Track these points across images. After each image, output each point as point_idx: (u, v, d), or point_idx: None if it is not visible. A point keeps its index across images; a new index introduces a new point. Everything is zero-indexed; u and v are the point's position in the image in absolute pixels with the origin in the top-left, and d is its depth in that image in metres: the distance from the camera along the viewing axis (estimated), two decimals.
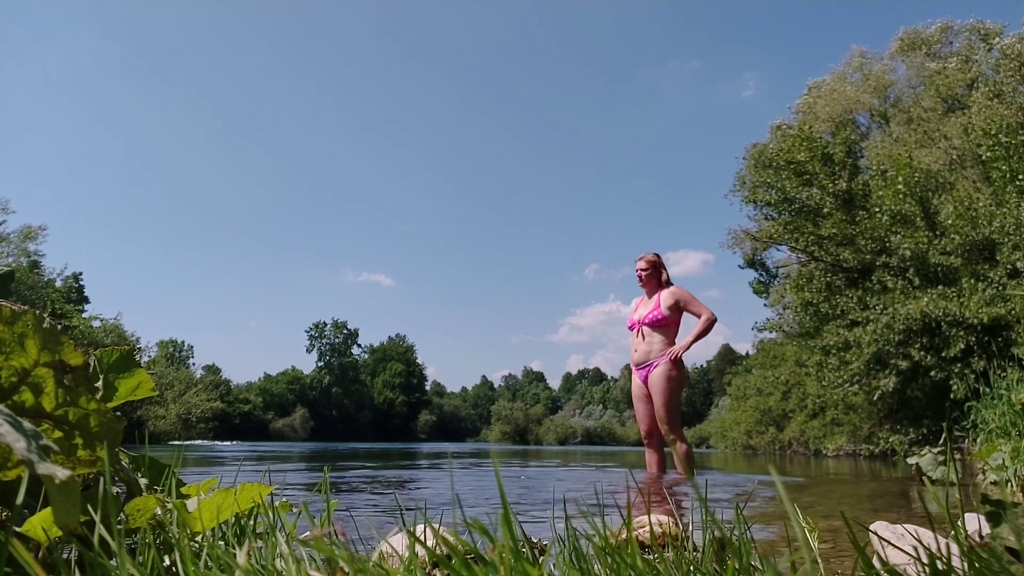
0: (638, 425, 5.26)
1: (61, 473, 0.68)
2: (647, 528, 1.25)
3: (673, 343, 5.17)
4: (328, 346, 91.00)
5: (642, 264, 5.36)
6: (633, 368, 5.27)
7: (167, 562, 0.90)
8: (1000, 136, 14.14)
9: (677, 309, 5.18)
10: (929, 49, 20.69)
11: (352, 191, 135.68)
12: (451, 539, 0.65)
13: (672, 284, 5.39)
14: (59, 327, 0.89)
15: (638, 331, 5.22)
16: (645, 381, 5.15)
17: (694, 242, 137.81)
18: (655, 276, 5.33)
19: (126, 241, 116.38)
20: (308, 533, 0.99)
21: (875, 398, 16.57)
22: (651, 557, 0.82)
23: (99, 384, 1.07)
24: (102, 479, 0.83)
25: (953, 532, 0.71)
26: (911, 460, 5.45)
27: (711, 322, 5.11)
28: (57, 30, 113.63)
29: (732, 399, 37.55)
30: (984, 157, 14.85)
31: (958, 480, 4.54)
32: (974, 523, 1.18)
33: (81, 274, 53.73)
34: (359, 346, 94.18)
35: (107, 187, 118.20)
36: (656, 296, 5.27)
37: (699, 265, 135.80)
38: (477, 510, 2.61)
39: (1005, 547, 0.68)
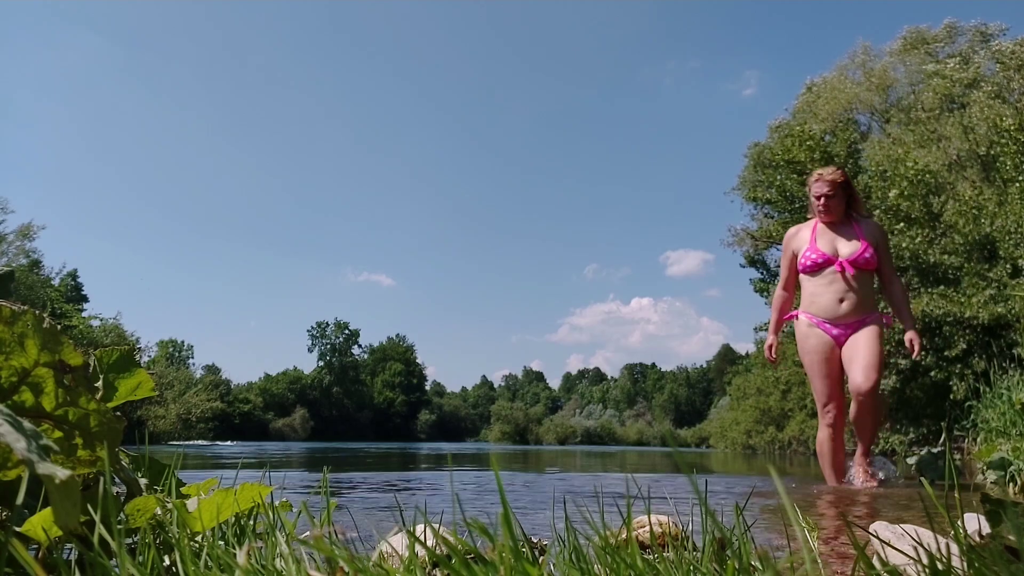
0: (816, 399, 4.06)
1: (61, 473, 0.68)
2: (647, 528, 1.25)
3: (875, 295, 4.10)
4: (329, 346, 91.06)
5: (825, 187, 4.05)
6: (825, 322, 4.00)
7: (167, 562, 0.90)
8: (1011, 132, 14.10)
9: (876, 252, 4.02)
10: (931, 48, 20.66)
11: (352, 191, 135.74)
12: (451, 539, 0.65)
13: (860, 211, 4.20)
14: (59, 327, 0.89)
15: (842, 273, 3.97)
16: (843, 340, 3.97)
17: (694, 242, 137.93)
18: (843, 200, 4.09)
19: (126, 241, 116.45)
20: (308, 533, 0.99)
21: None
22: (651, 557, 0.82)
23: (99, 384, 1.07)
24: (102, 479, 0.83)
25: (953, 532, 0.71)
26: (911, 460, 5.45)
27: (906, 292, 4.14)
28: (57, 30, 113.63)
29: (732, 399, 37.56)
30: (993, 152, 14.81)
31: (958, 480, 4.54)
32: (974, 523, 1.18)
33: (77, 272, 53.73)
34: (359, 346, 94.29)
35: (107, 187, 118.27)
36: (854, 228, 4.07)
37: (699, 264, 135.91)
38: (477, 510, 2.61)
39: (1005, 547, 0.68)
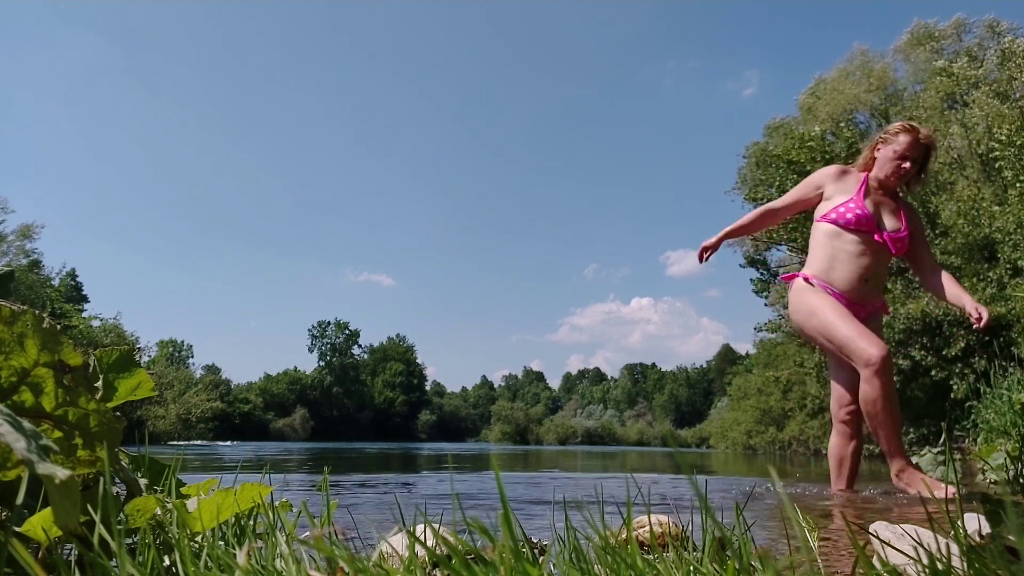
0: (846, 347, 3.16)
1: (61, 473, 0.68)
2: (647, 528, 1.25)
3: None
4: (329, 346, 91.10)
5: (918, 151, 3.33)
6: (842, 296, 3.31)
7: (167, 562, 0.90)
8: (1009, 137, 14.09)
9: (912, 240, 3.42)
10: (938, 45, 20.61)
11: (352, 191, 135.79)
12: (451, 539, 0.65)
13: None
14: (59, 327, 0.89)
15: (881, 247, 3.33)
16: (863, 319, 3.32)
17: (695, 242, 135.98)
18: (917, 172, 3.41)
19: (126, 241, 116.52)
20: (308, 533, 0.99)
21: None
22: (651, 557, 0.82)
23: (99, 384, 1.07)
24: (102, 479, 0.83)
25: (953, 532, 0.71)
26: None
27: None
28: (57, 30, 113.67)
29: (732, 399, 37.56)
30: (994, 155, 14.82)
31: (958, 480, 4.54)
32: (974, 523, 1.18)
33: (76, 271, 53.76)
34: (359, 346, 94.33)
35: (107, 187, 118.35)
36: (899, 205, 3.44)
37: (699, 264, 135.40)
38: (477, 510, 2.61)
39: (1005, 547, 0.68)
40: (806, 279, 3.40)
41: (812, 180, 3.52)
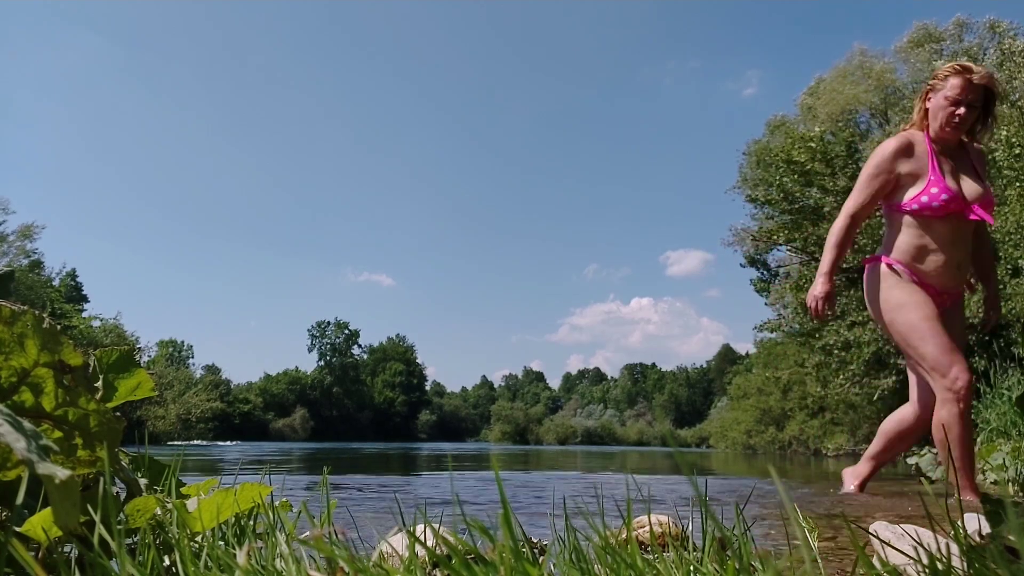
0: (928, 362, 2.81)
1: (61, 473, 0.68)
2: (647, 528, 1.25)
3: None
4: (329, 346, 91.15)
5: (976, 94, 2.88)
6: (933, 287, 2.90)
7: (167, 562, 0.90)
8: (1015, 138, 14.07)
9: None
10: (938, 45, 20.61)
11: (352, 191, 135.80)
12: (451, 539, 0.65)
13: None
14: (59, 327, 0.89)
15: (973, 223, 2.92)
16: (948, 307, 2.96)
17: (694, 242, 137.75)
18: (981, 118, 2.98)
19: (126, 241, 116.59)
20: (308, 533, 0.99)
21: (875, 398, 16.59)
22: (651, 557, 0.82)
23: (99, 384, 1.07)
24: (102, 479, 0.83)
25: (953, 532, 0.71)
26: (911, 460, 5.46)
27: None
28: (57, 30, 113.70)
29: (732, 399, 37.58)
30: (994, 155, 14.80)
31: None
32: (974, 523, 1.18)
33: (76, 271, 53.79)
34: (359, 346, 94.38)
35: (107, 187, 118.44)
36: (971, 163, 3.01)
37: (699, 264, 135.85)
38: (477, 510, 2.61)
39: (1005, 547, 0.68)
40: (890, 266, 2.97)
41: (882, 166, 2.99)
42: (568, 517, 0.91)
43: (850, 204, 3.06)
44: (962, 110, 2.85)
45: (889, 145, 3.00)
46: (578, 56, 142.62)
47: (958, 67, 2.89)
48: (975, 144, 3.06)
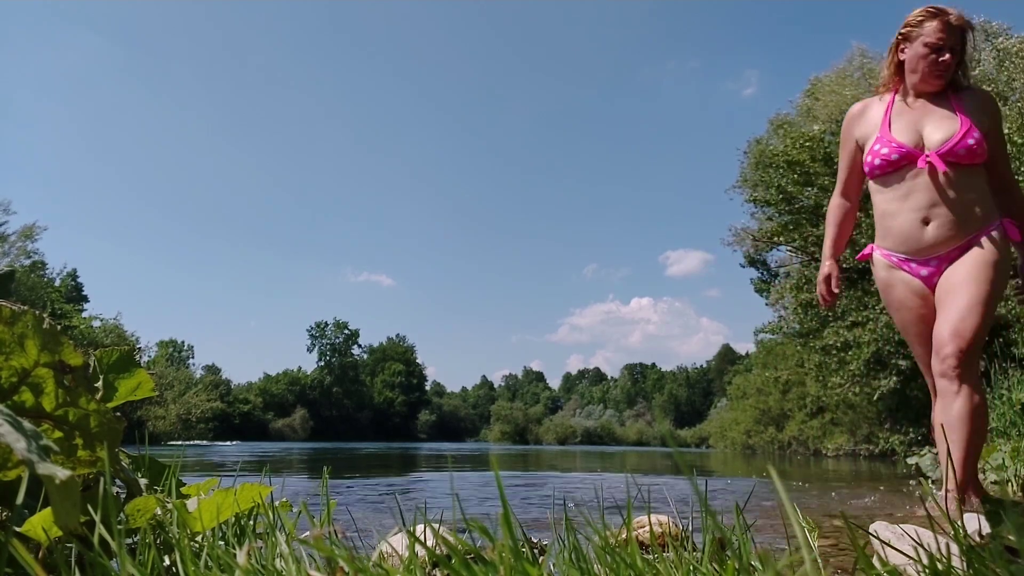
0: (922, 370, 2.67)
1: (61, 473, 0.68)
2: (647, 528, 1.25)
3: (988, 201, 2.55)
4: (329, 346, 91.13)
5: (954, 37, 2.58)
6: (908, 260, 2.61)
7: (167, 562, 0.90)
8: (1015, 138, 14.06)
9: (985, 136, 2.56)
10: None
11: (352, 191, 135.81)
12: (451, 539, 0.65)
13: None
14: (59, 327, 0.89)
15: (929, 173, 2.55)
16: (934, 279, 2.57)
17: (694, 242, 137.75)
18: (956, 63, 2.63)
19: (126, 241, 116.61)
20: (308, 533, 0.99)
21: (875, 398, 16.59)
22: (651, 557, 0.82)
23: (99, 384, 1.07)
24: (102, 479, 0.83)
25: (953, 532, 0.71)
26: (911, 460, 5.46)
27: None
28: (57, 30, 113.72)
29: (731, 399, 37.59)
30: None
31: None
32: (974, 523, 1.18)
33: (76, 272, 53.78)
34: (359, 346, 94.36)
35: (107, 187, 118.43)
36: (951, 101, 2.63)
37: (699, 264, 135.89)
38: (477, 510, 2.61)
39: (1005, 547, 0.68)
40: (871, 252, 2.79)
41: (844, 137, 2.86)
42: (568, 517, 0.91)
43: (837, 184, 2.97)
44: (946, 56, 2.57)
45: (849, 112, 2.87)
46: (578, 56, 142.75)
47: (932, 9, 2.62)
48: (976, 90, 2.70)
